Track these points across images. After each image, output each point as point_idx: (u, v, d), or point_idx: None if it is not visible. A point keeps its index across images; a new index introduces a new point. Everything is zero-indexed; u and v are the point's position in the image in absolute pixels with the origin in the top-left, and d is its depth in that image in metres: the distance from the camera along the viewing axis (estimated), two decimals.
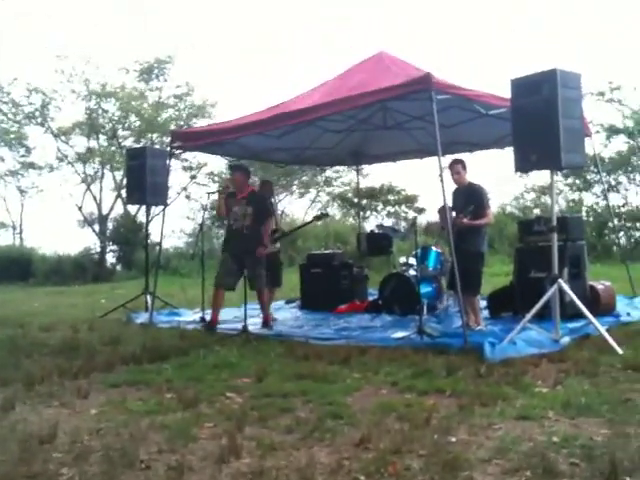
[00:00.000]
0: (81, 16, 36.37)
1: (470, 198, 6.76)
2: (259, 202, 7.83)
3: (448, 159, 7.13)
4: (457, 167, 6.90)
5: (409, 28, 39.93)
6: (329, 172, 24.59)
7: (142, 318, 8.79)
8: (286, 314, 9.13)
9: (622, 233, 17.53)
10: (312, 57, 40.83)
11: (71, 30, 34.65)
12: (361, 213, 17.84)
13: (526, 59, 31.20)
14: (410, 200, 23.45)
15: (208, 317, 8.39)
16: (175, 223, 23.47)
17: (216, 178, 24.37)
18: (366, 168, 18.55)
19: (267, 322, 7.76)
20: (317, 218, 10.40)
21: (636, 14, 31.76)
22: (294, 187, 27.63)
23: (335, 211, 26.89)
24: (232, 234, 7.85)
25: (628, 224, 18.09)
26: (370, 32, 38.54)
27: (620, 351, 5.35)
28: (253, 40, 39.54)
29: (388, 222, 21.52)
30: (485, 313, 7.71)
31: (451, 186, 7.01)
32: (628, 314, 7.37)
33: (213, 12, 38.75)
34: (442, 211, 7.97)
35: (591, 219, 18.25)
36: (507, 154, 8.89)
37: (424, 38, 37.39)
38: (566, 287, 5.89)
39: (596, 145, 11.48)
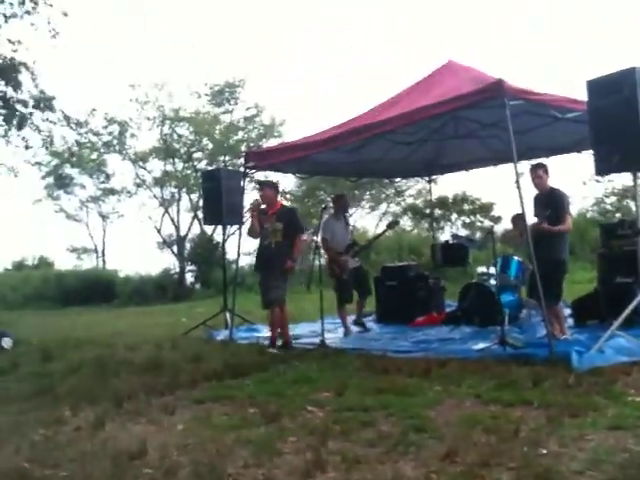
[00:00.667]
0: (151, 44, 37.77)
1: (550, 203, 6.58)
2: (289, 217, 7.66)
3: (523, 166, 6.97)
4: (539, 171, 6.72)
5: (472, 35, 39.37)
6: (399, 183, 24.47)
7: (222, 335, 8.95)
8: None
9: None
10: (379, 71, 40.89)
11: (141, 57, 36.03)
12: (434, 224, 17.59)
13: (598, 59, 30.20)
14: (485, 209, 22.98)
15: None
16: (250, 242, 23.85)
17: (287, 196, 24.70)
18: (438, 178, 18.35)
19: (274, 342, 7.49)
20: (389, 227, 10.42)
21: None
22: (364, 201, 27.67)
23: (407, 223, 26.71)
24: (262, 251, 7.70)
25: None
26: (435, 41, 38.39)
27: None
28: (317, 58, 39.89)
29: (463, 232, 21.16)
30: (570, 322, 7.47)
31: (529, 193, 6.85)
32: None
33: (280, 33, 39.40)
34: (517, 219, 7.81)
35: None
36: (584, 158, 8.65)
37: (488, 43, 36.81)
38: None
39: None
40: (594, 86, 5.71)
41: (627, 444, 3.31)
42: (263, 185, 7.94)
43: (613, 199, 19.84)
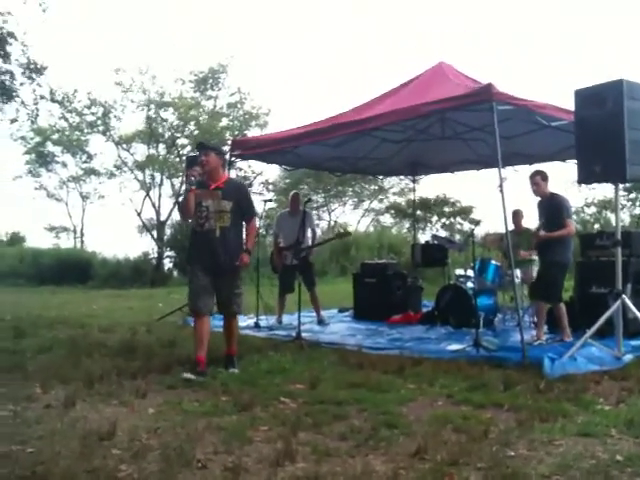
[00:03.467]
0: (136, 25, 37.36)
1: (550, 209, 6.72)
2: (241, 194, 5.82)
3: (507, 171, 7.04)
4: (535, 178, 6.82)
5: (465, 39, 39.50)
6: (383, 181, 24.59)
7: None
8: (339, 323, 9.12)
9: None
10: (367, 68, 40.88)
11: (127, 40, 35.66)
12: (415, 224, 17.69)
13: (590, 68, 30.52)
14: (466, 212, 23.18)
15: (262, 323, 8.53)
16: None
17: (270, 187, 24.68)
18: (422, 178, 18.45)
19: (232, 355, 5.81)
20: (339, 236, 10.53)
21: None
22: (347, 197, 27.77)
23: (389, 220, 26.86)
24: (202, 239, 5.67)
25: None
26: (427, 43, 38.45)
27: None
28: (309, 50, 39.78)
29: (443, 233, 21.30)
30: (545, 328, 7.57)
31: (512, 197, 6.96)
32: None
33: (268, 22, 39.20)
34: (516, 214, 7.94)
35: None
36: (568, 167, 8.77)
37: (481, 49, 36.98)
38: (630, 303, 5.72)
39: None
40: (581, 96, 5.76)
41: (595, 451, 3.35)
42: (204, 149, 5.80)
43: (593, 209, 20.10)
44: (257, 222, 6.01)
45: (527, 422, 3.89)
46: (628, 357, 5.74)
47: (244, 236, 5.88)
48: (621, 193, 17.48)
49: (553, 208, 6.72)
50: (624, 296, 5.72)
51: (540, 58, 38.70)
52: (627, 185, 16.46)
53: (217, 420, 4.03)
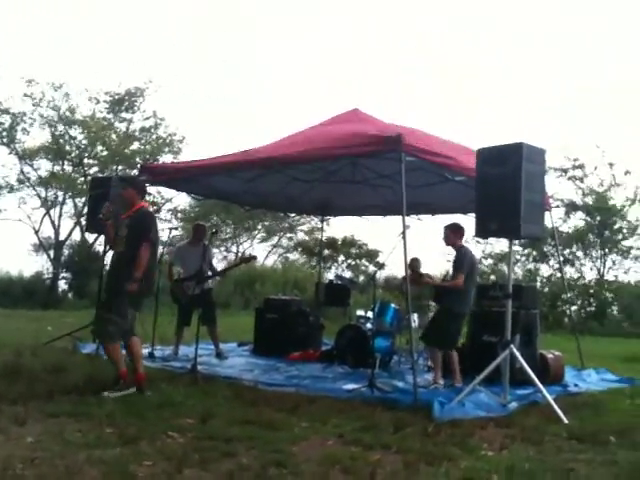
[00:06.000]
0: (51, 40, 36.24)
1: (453, 260, 7.18)
2: (138, 221, 6.00)
3: (411, 219, 7.31)
4: (446, 230, 7.25)
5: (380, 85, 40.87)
6: (293, 219, 24.74)
7: (89, 349, 8.55)
8: (237, 357, 9.01)
9: (575, 306, 17.92)
10: (284, 105, 41.35)
11: (40, 53, 34.40)
12: (321, 263, 17.86)
13: (495, 127, 32.12)
14: (371, 255, 23.64)
15: (157, 353, 8.31)
16: None
17: (179, 214, 24.28)
18: (331, 219, 18.74)
19: (123, 377, 5.82)
20: (244, 260, 10.43)
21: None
22: (256, 231, 27.74)
23: (297, 258, 26.98)
24: (110, 266, 6.28)
25: (580, 298, 18.52)
26: (342, 83, 39.41)
27: (566, 420, 5.40)
28: (224, 80, 39.70)
29: (347, 274, 21.60)
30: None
31: (413, 245, 7.24)
32: (576, 385, 7.45)
33: (186, 49, 38.93)
34: (414, 262, 8.22)
35: (546, 289, 18.64)
36: (469, 220, 9.16)
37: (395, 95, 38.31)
38: (517, 353, 5.98)
39: (555, 219, 11.80)
40: (484, 155, 6.05)
41: None
42: (124, 182, 6.46)
43: (490, 261, 20.98)
44: (147, 249, 5.85)
45: (413, 465, 3.96)
46: (513, 405, 5.97)
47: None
48: (516, 248, 18.59)
49: (454, 260, 7.13)
50: (512, 346, 5.98)
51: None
52: (522, 241, 17.34)
53: (99, 453, 3.86)
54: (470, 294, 7.14)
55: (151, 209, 9.37)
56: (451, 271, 7.30)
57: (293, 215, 18.89)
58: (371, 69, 42.09)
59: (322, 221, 13.24)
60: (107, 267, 6.26)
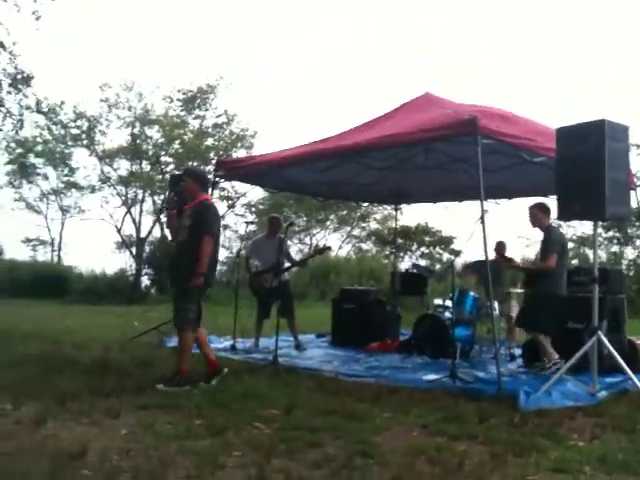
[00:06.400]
0: (124, 43, 37.37)
1: (542, 242, 7.00)
2: (200, 213, 6.08)
3: (488, 203, 7.12)
4: (532, 210, 7.06)
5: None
6: (366, 208, 24.68)
7: (174, 342, 8.80)
8: (316, 348, 9.08)
9: None
10: (355, 94, 41.26)
11: (114, 56, 35.56)
12: (395, 251, 17.75)
13: (575, 105, 31.03)
14: (446, 242, 23.31)
15: (239, 345, 8.47)
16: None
17: (253, 209, 24.65)
18: (404, 207, 18.60)
19: (181, 372, 5.90)
20: (318, 252, 10.45)
21: None
22: (329, 222, 27.83)
23: (371, 247, 26.92)
24: (171, 256, 6.49)
25: None
26: (412, 69, 38.96)
27: None
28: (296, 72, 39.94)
29: (422, 262, 21.39)
30: (519, 362, 7.63)
31: (491, 230, 7.05)
32: None
33: (257, 41, 39.38)
34: (499, 246, 8.08)
35: (632, 273, 17.90)
36: (550, 202, 8.89)
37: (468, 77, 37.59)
38: (605, 340, 5.77)
39: None
40: (564, 134, 5.85)
41: None
42: (184, 175, 6.55)
43: (572, 245, 20.30)
44: (209, 241, 5.98)
45: (501, 456, 3.90)
46: (602, 394, 5.77)
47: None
48: (599, 231, 17.88)
49: (543, 241, 6.92)
50: (599, 332, 5.78)
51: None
52: (606, 222, 16.68)
53: (190, 444, 3.98)
54: (563, 275, 6.90)
55: (219, 203, 9.57)
56: (540, 254, 7.06)
57: (366, 205, 18.81)
58: (371, 69, 41.49)
59: (396, 209, 13.16)
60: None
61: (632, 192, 7.42)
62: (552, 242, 6.80)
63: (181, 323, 6.01)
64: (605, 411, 5.20)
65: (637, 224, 15.81)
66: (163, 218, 18.69)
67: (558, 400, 5.50)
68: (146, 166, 22.66)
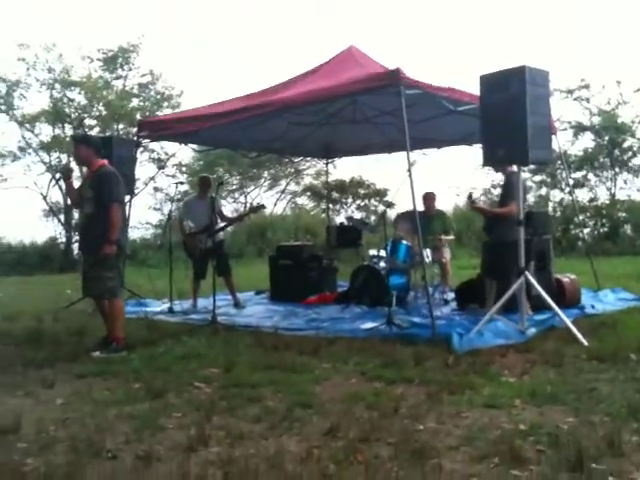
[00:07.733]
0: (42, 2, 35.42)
1: (502, 187, 7.13)
2: (102, 181, 5.81)
3: (416, 154, 7.16)
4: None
5: (377, 24, 39.95)
6: (298, 163, 24.57)
7: None
8: (255, 305, 9.10)
9: (587, 228, 17.86)
10: (278, 50, 40.59)
11: (31, 15, 33.70)
12: (330, 206, 17.82)
13: (497, 55, 31.45)
14: (379, 194, 23.56)
15: (176, 307, 8.40)
16: (142, 214, 23.23)
17: (184, 169, 24.19)
18: (337, 161, 18.62)
19: (117, 340, 5.83)
20: (253, 210, 10.45)
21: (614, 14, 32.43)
22: (263, 179, 27.61)
23: (306, 202, 26.94)
24: (79, 226, 6.43)
25: (593, 220, 18.42)
26: (338, 27, 38.60)
27: (585, 342, 5.46)
28: (216, 29, 38.89)
29: (358, 215, 21.59)
30: (453, 305, 7.88)
31: (420, 180, 7.13)
32: (592, 307, 7.49)
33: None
34: (426, 197, 8.19)
35: (558, 214, 18.56)
36: (475, 151, 9.09)
37: (392, 34, 37.50)
38: (532, 280, 5.99)
39: (563, 142, 11.64)
40: (486, 81, 5.92)
41: (500, 422, 3.50)
42: (76, 142, 6.19)
43: (499, 190, 20.82)
44: (118, 209, 5.79)
45: (436, 396, 4.03)
46: (532, 331, 6.02)
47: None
48: (527, 175, 18.36)
49: (503, 186, 7.02)
50: (527, 273, 5.99)
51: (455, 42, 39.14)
52: (532, 167, 17.18)
53: (128, 408, 3.94)
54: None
55: (148, 165, 9.32)
56: (499, 199, 7.11)
57: (298, 160, 18.73)
58: (298, 23, 40.97)
59: (327, 163, 13.16)
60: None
61: (554, 136, 7.65)
62: (513, 189, 6.60)
63: (100, 292, 5.88)
64: (535, 347, 5.43)
65: (562, 167, 16.26)
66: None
67: (490, 339, 5.72)
68: (69, 130, 21.82)
